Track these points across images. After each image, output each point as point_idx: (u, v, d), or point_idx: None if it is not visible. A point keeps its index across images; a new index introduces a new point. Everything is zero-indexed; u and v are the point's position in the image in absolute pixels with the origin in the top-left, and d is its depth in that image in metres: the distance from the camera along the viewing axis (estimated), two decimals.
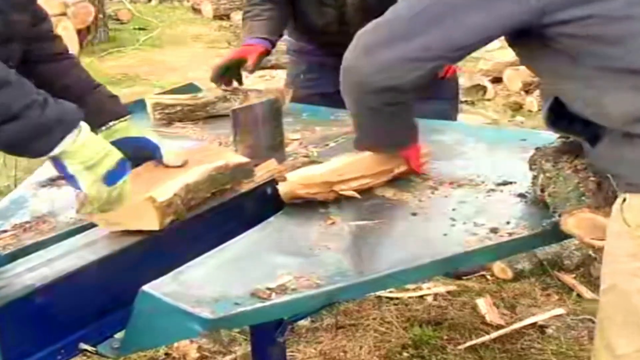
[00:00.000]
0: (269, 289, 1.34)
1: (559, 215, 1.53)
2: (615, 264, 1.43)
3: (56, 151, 1.38)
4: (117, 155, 1.46)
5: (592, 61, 1.40)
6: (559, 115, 1.52)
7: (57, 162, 1.42)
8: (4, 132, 1.32)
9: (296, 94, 2.57)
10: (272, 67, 6.65)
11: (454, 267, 2.21)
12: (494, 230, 1.58)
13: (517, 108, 5.27)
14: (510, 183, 1.80)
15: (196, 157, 1.72)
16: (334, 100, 2.41)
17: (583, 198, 1.51)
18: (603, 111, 1.42)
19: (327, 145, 2.11)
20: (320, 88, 2.59)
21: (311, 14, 2.58)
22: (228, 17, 8.76)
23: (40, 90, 1.38)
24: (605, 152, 1.45)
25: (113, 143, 1.52)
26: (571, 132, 1.57)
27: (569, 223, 1.51)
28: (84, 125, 1.42)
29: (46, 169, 1.99)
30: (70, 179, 1.43)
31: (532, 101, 5.20)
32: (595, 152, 1.48)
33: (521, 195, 1.74)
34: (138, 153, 1.65)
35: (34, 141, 1.36)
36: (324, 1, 2.53)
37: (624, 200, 1.41)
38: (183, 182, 1.60)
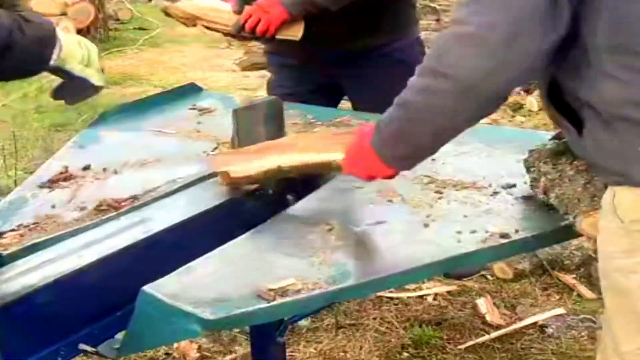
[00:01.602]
0: (271, 290, 1.34)
1: (574, 217, 1.52)
2: (611, 261, 1.41)
3: (52, 62, 1.51)
4: (94, 46, 1.63)
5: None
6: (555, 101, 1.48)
7: (60, 71, 1.55)
8: (7, 61, 1.42)
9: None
10: None
11: (455, 268, 2.21)
12: (504, 236, 1.58)
13: (517, 108, 5.26)
14: (514, 185, 1.80)
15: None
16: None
17: (595, 198, 1.50)
18: (596, 87, 1.34)
19: None
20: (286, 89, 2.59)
21: None
22: None
23: (12, 14, 1.44)
24: (588, 143, 1.40)
25: None
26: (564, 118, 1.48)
27: (586, 224, 1.50)
28: (59, 31, 1.54)
29: (46, 169, 1.99)
30: (79, 79, 1.58)
31: (532, 101, 5.19)
32: (581, 144, 1.43)
33: (526, 198, 1.74)
34: None
35: (27, 61, 1.47)
36: None
37: (614, 195, 1.38)
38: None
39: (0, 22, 1.41)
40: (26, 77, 1.64)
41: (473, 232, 1.59)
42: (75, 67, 1.56)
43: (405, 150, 1.47)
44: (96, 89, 1.63)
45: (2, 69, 1.45)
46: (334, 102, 2.75)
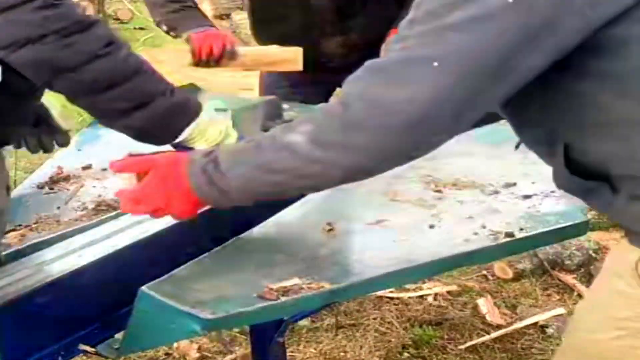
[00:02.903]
0: (273, 290, 1.34)
1: None
2: (619, 323, 1.23)
3: (183, 136, 1.46)
4: (235, 133, 1.57)
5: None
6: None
7: (183, 147, 1.48)
8: (136, 118, 1.39)
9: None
10: None
11: (455, 268, 2.21)
12: (508, 235, 1.57)
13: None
14: (514, 184, 1.80)
15: None
16: None
17: None
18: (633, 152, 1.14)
19: None
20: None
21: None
22: (228, 16, 8.76)
23: (165, 79, 1.46)
24: (622, 206, 1.20)
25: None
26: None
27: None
28: (202, 112, 1.50)
29: (46, 169, 1.99)
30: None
31: None
32: (615, 205, 1.21)
33: (527, 197, 1.74)
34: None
35: (164, 127, 1.43)
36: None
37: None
38: None
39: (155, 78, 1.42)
40: (153, 144, 1.48)
41: (475, 230, 1.59)
42: (201, 147, 1.50)
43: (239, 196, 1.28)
44: None
45: (135, 125, 1.41)
46: None
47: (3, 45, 1.31)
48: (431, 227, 1.62)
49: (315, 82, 2.57)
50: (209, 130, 1.51)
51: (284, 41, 2.52)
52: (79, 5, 1.35)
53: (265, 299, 1.32)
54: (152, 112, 1.40)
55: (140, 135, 1.44)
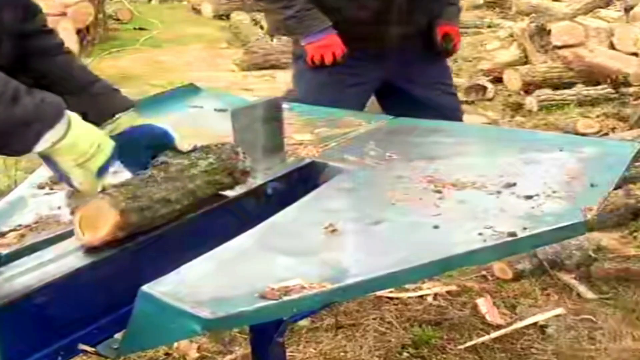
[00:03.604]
0: (275, 290, 1.34)
1: None
2: None
3: (39, 148, 1.32)
4: (109, 148, 1.41)
5: None
6: None
7: (46, 159, 1.37)
8: None
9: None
10: (272, 67, 6.66)
11: (455, 268, 2.21)
12: (512, 234, 1.57)
13: (517, 108, 5.27)
14: (514, 184, 1.80)
15: None
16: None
17: None
18: None
19: (327, 145, 2.11)
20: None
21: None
22: (228, 17, 8.76)
23: (14, 83, 1.29)
24: None
25: (120, 134, 1.49)
26: None
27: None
28: (74, 120, 1.35)
29: (46, 169, 1.99)
30: (61, 177, 1.39)
31: (532, 101, 5.20)
32: None
33: (528, 197, 1.74)
34: (149, 141, 1.61)
35: (10, 138, 1.28)
36: None
37: None
38: None
39: None
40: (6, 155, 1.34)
41: (475, 231, 1.59)
42: (64, 162, 1.35)
43: None
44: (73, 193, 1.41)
45: None
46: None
47: None
48: (434, 227, 1.62)
49: (375, 60, 2.83)
50: (75, 146, 1.35)
51: (355, 24, 2.72)
52: None
53: (266, 298, 1.32)
54: (13, 119, 1.26)
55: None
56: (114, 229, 1.44)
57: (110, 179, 1.44)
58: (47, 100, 1.33)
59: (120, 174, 1.52)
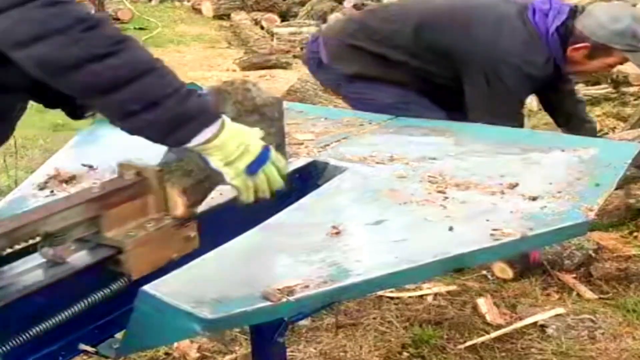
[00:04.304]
0: (277, 290, 1.34)
1: None
2: None
3: (194, 142, 1.41)
4: (257, 148, 1.48)
5: None
6: None
7: (200, 155, 1.45)
8: (142, 119, 1.35)
9: None
10: (272, 67, 6.66)
11: (456, 267, 2.20)
12: (510, 234, 1.57)
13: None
14: (517, 184, 1.80)
15: None
16: None
17: None
18: None
19: (328, 145, 2.12)
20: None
21: None
22: (228, 17, 8.76)
23: (186, 84, 1.41)
24: None
25: None
26: None
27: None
28: (227, 123, 1.44)
29: (47, 169, 1.99)
30: (216, 173, 1.47)
31: (532, 101, 5.19)
32: None
33: (526, 197, 1.74)
34: None
35: (172, 131, 1.38)
36: None
37: None
38: None
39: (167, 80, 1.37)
40: (162, 144, 1.45)
41: (475, 231, 1.59)
42: (214, 161, 1.45)
43: None
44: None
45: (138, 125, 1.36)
46: None
47: (9, 44, 1.31)
48: (436, 227, 1.62)
49: None
50: (225, 147, 1.44)
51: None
52: (85, 4, 1.34)
53: (268, 299, 1.32)
54: (159, 115, 1.35)
55: (148, 136, 1.41)
56: (184, 209, 1.52)
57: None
58: (207, 102, 1.45)
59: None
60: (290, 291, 1.34)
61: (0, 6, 1.28)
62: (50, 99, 1.63)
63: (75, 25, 1.29)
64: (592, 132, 3.08)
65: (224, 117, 1.45)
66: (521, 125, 2.73)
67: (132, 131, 1.39)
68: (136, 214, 1.50)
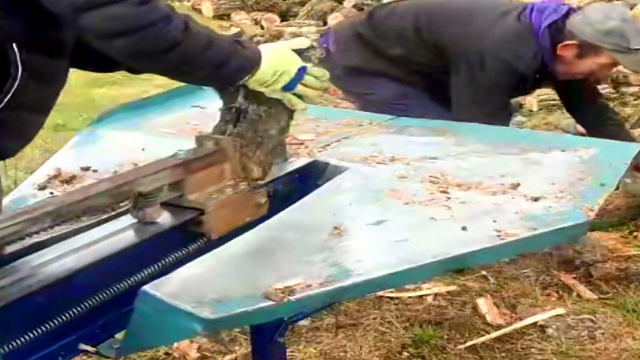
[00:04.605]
0: (278, 289, 1.34)
1: None
2: None
3: (239, 80, 1.69)
4: (293, 70, 1.73)
5: None
6: None
7: (240, 86, 1.73)
8: (215, 78, 1.71)
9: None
10: None
11: (457, 268, 2.20)
12: (510, 234, 1.57)
13: (517, 108, 5.26)
14: (519, 185, 1.80)
15: None
16: None
17: None
18: None
19: (329, 144, 2.11)
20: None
21: None
22: (228, 17, 8.76)
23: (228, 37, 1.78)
24: None
25: None
26: None
27: None
28: (264, 55, 1.69)
29: (46, 170, 1.99)
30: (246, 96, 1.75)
31: (532, 101, 5.19)
32: None
33: (527, 197, 1.74)
34: None
35: (234, 77, 1.69)
36: None
37: None
38: None
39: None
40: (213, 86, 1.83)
41: (476, 231, 1.59)
42: (251, 84, 1.71)
43: None
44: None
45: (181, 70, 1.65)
46: None
47: (105, 34, 1.55)
48: (437, 226, 1.62)
49: None
50: (261, 76, 1.69)
51: None
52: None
53: (270, 298, 1.32)
54: (227, 71, 1.65)
55: (212, 85, 1.81)
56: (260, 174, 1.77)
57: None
58: (248, 45, 1.72)
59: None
60: (290, 291, 1.34)
61: (99, 2, 1.51)
62: (89, 61, 1.88)
63: (161, 20, 1.54)
64: (617, 131, 2.99)
65: (262, 52, 1.69)
66: (505, 124, 2.69)
67: (199, 82, 1.88)
68: (214, 180, 1.68)
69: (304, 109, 1.81)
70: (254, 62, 1.69)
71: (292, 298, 1.33)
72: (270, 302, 1.31)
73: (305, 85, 1.76)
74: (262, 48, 1.72)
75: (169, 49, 1.56)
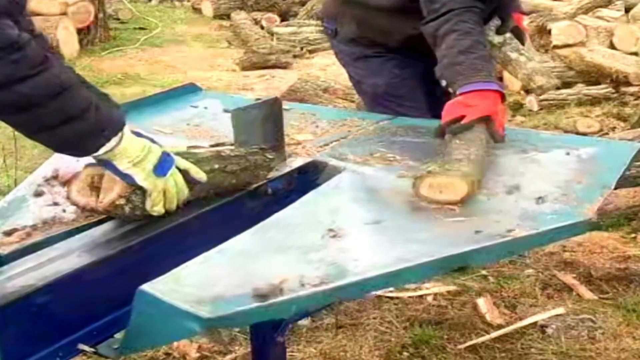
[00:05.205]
0: (270, 287, 1.34)
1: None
2: None
3: (101, 151, 1.49)
4: (158, 149, 1.57)
5: None
6: None
7: (106, 163, 1.53)
8: (60, 133, 1.43)
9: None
10: (272, 67, 6.67)
11: (456, 267, 2.20)
12: (509, 234, 1.57)
13: (517, 108, 5.27)
14: (514, 184, 1.79)
15: None
16: None
17: None
18: None
19: (327, 145, 2.11)
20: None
21: None
22: (228, 16, 8.77)
23: (91, 95, 1.48)
24: None
25: None
26: None
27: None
28: (126, 130, 1.52)
29: (46, 169, 1.99)
30: (124, 177, 1.54)
31: (532, 101, 5.20)
32: None
33: (526, 197, 1.74)
34: None
35: (85, 142, 1.48)
36: None
37: None
38: None
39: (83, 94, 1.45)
40: (73, 155, 1.59)
41: (475, 230, 1.59)
42: (122, 164, 1.54)
43: None
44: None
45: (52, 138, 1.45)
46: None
47: None
48: (433, 227, 1.62)
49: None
50: (129, 149, 1.52)
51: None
52: (12, 26, 1.36)
53: (260, 298, 1.31)
54: (76, 128, 1.44)
55: (60, 149, 1.52)
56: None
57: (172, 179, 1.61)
58: (114, 109, 1.53)
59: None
60: (289, 290, 1.34)
61: None
62: None
63: (6, 48, 1.34)
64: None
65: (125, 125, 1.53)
66: None
67: (45, 144, 1.48)
68: None
69: (156, 211, 1.60)
70: (121, 122, 1.52)
71: (287, 297, 1.33)
72: (268, 302, 1.31)
73: (175, 182, 1.60)
74: None
75: (13, 82, 1.36)
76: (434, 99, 2.72)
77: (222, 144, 1.93)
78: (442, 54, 2.25)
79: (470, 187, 1.70)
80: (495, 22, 2.44)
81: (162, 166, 1.57)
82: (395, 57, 2.61)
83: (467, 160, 1.80)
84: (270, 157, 1.86)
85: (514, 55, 2.44)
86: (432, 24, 2.30)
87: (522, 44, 2.57)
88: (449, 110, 2.07)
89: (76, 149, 1.51)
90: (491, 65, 2.32)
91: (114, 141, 1.49)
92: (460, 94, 2.09)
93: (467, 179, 1.71)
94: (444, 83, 2.21)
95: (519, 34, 2.57)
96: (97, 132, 1.47)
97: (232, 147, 1.86)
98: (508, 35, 2.47)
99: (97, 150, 1.49)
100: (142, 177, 1.54)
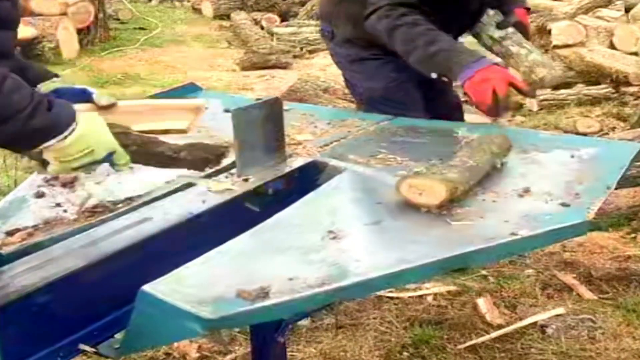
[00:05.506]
0: (264, 288, 1.34)
1: None
2: None
3: (39, 149, 1.43)
4: (101, 154, 1.49)
5: None
6: None
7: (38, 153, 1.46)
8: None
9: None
10: (272, 67, 6.67)
11: (456, 267, 2.20)
12: (509, 234, 1.57)
13: (517, 108, 5.27)
14: (516, 184, 1.80)
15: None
16: None
17: None
18: None
19: (327, 145, 2.11)
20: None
21: None
22: (228, 17, 8.77)
23: (38, 96, 1.43)
24: None
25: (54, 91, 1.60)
26: None
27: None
28: (77, 130, 1.44)
29: None
30: (35, 156, 1.47)
31: (532, 101, 5.20)
32: None
33: (526, 197, 1.74)
34: (69, 98, 1.61)
35: (24, 140, 1.42)
36: None
37: None
38: None
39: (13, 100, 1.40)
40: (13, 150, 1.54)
41: (475, 230, 1.59)
42: (48, 157, 1.47)
43: None
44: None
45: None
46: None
47: None
48: (433, 227, 1.62)
49: None
50: (69, 149, 1.46)
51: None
52: None
53: (247, 298, 1.31)
54: (6, 131, 1.40)
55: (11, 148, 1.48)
56: None
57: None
58: (64, 111, 1.46)
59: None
60: (289, 291, 1.34)
61: None
62: None
63: None
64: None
65: (80, 119, 1.46)
66: None
67: None
68: None
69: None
70: (69, 125, 1.45)
71: (287, 298, 1.33)
72: (268, 302, 1.31)
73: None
74: (83, 116, 1.48)
75: None
76: (430, 101, 2.73)
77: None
78: (405, 49, 2.37)
79: (449, 193, 1.65)
80: (497, 17, 2.47)
81: (92, 165, 1.51)
82: (392, 59, 2.60)
83: (460, 168, 1.76)
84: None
85: (514, 49, 2.48)
86: (372, 18, 2.38)
87: (528, 38, 2.62)
88: (477, 92, 2.25)
89: (11, 148, 1.49)
90: (457, 44, 2.45)
91: (48, 143, 1.44)
92: (468, 78, 2.26)
93: (447, 185, 1.66)
94: (434, 75, 2.31)
95: (522, 29, 2.61)
96: (30, 137, 1.42)
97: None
98: (510, 30, 2.49)
99: (30, 149, 1.46)
100: (55, 169, 1.49)
